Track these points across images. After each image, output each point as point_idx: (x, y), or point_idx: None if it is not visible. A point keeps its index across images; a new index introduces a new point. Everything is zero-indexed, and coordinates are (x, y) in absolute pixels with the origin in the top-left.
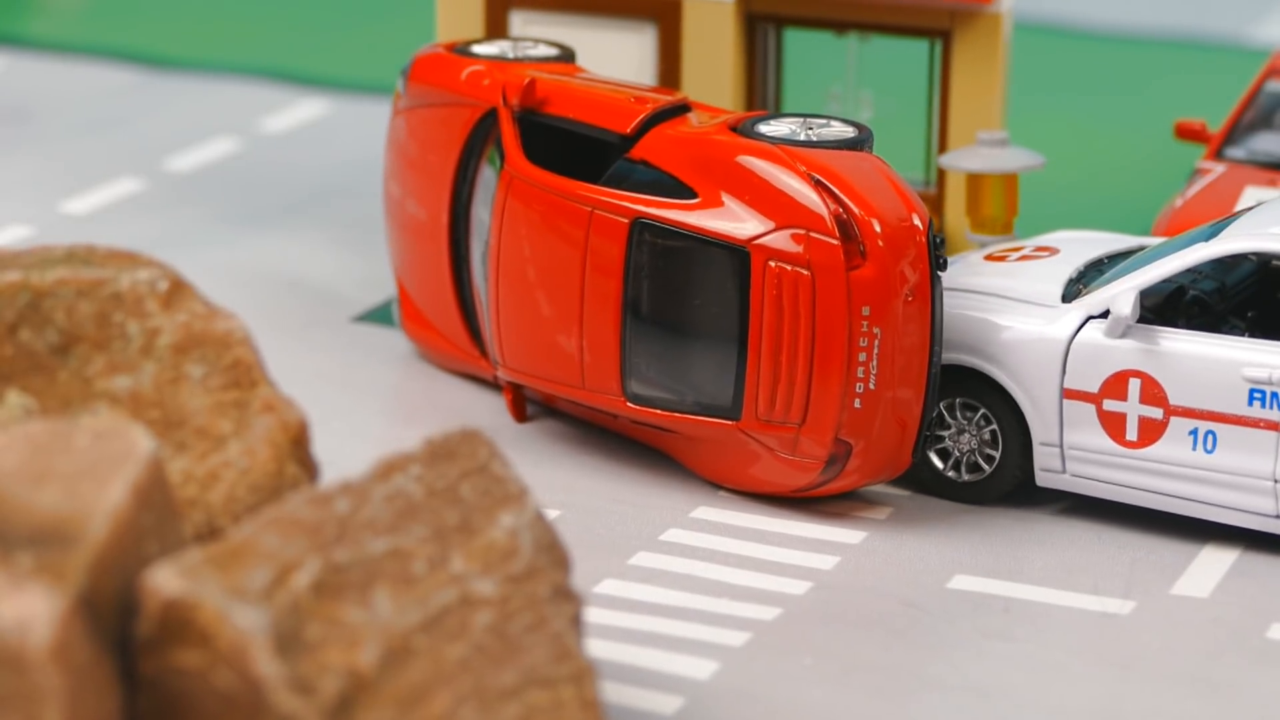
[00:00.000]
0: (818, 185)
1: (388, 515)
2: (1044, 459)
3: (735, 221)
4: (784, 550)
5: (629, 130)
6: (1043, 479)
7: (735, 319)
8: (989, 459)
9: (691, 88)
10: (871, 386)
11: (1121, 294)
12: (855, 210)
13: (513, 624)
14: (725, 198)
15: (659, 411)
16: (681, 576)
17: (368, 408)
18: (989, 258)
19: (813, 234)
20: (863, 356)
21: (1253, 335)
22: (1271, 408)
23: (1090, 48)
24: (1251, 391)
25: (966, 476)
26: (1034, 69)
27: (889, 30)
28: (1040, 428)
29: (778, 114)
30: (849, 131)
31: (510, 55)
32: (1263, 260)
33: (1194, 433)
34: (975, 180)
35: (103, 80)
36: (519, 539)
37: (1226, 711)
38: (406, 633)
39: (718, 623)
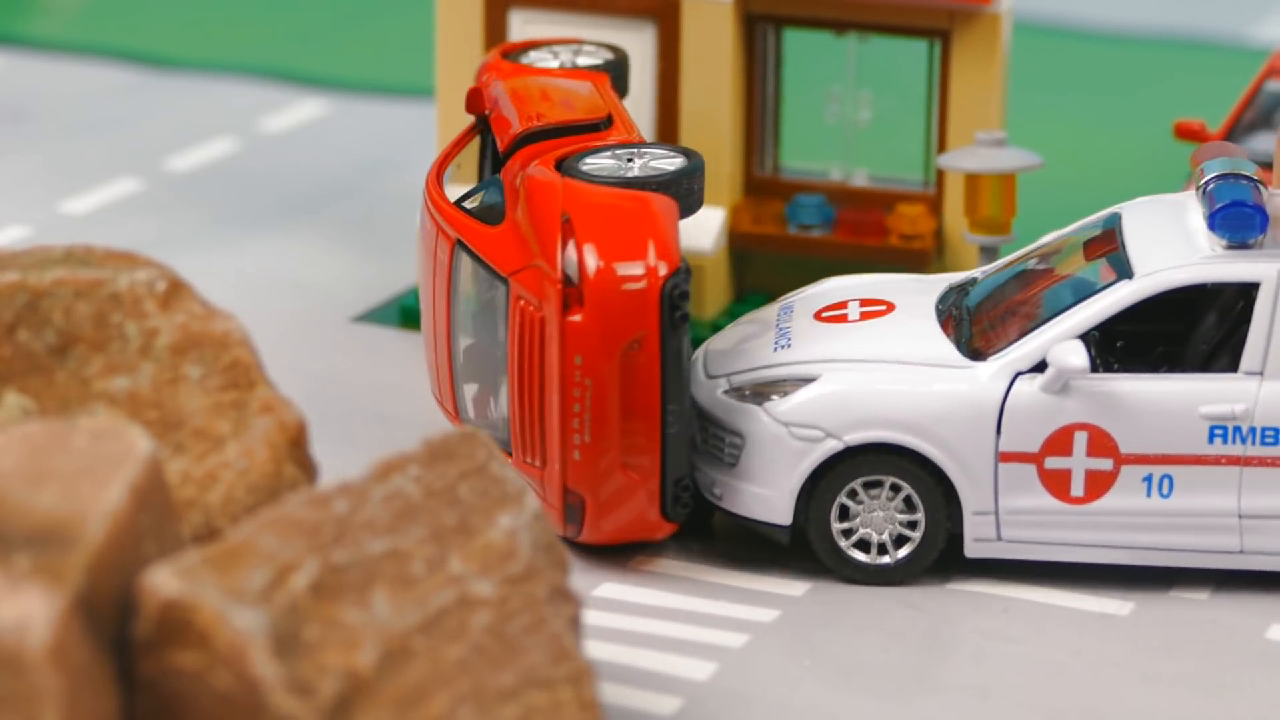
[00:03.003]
0: (565, 224)
1: (386, 516)
2: (977, 528)
3: (509, 253)
4: (783, 551)
5: (502, 149)
6: (974, 549)
7: (506, 352)
8: (908, 530)
9: (691, 87)
10: (587, 439)
11: (1062, 345)
12: (584, 253)
13: (511, 625)
14: (522, 227)
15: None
16: (680, 579)
17: (367, 408)
18: (823, 319)
19: (547, 274)
20: (577, 408)
21: (1178, 369)
22: (1234, 443)
23: (1090, 48)
24: (1212, 429)
25: (894, 556)
26: (1034, 69)
27: (888, 30)
28: (973, 496)
29: (628, 145)
30: (669, 168)
31: (563, 61)
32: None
33: (1148, 479)
34: (973, 180)
35: (102, 80)
36: (517, 540)
37: (1226, 711)
38: (405, 634)
39: (716, 624)
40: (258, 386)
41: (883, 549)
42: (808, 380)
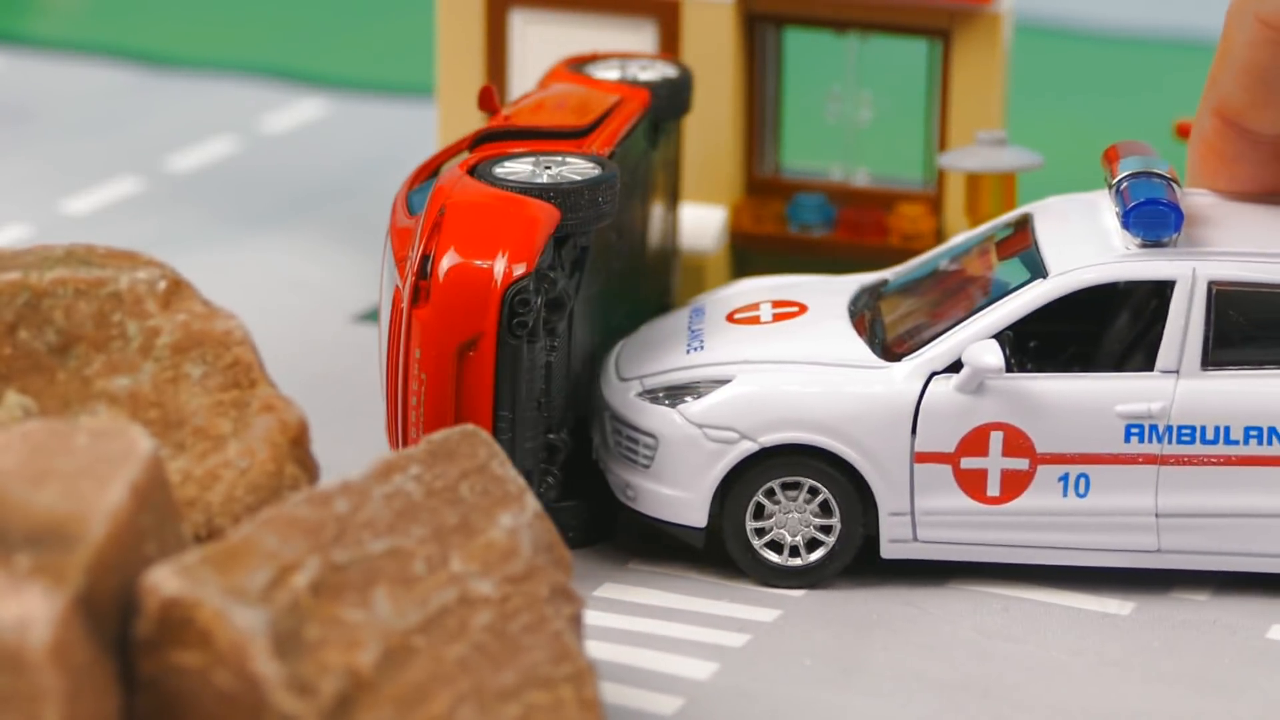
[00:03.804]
0: (438, 220)
1: (387, 515)
2: (892, 529)
3: (406, 244)
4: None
5: (465, 147)
6: (890, 550)
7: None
8: (822, 535)
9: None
10: (422, 434)
11: (977, 345)
12: (441, 249)
13: (512, 624)
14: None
15: None
16: (681, 579)
17: (367, 408)
18: (735, 320)
19: (410, 266)
20: (414, 400)
21: (1094, 369)
22: (1150, 441)
23: (1090, 48)
24: (1128, 428)
25: (805, 559)
26: (1034, 69)
27: (889, 30)
28: (888, 497)
29: (551, 153)
30: (577, 177)
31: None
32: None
33: (1064, 478)
34: (973, 180)
35: (102, 80)
36: (518, 539)
37: (1226, 711)
38: (406, 633)
39: (717, 624)
40: (259, 385)
41: (796, 551)
42: (721, 382)
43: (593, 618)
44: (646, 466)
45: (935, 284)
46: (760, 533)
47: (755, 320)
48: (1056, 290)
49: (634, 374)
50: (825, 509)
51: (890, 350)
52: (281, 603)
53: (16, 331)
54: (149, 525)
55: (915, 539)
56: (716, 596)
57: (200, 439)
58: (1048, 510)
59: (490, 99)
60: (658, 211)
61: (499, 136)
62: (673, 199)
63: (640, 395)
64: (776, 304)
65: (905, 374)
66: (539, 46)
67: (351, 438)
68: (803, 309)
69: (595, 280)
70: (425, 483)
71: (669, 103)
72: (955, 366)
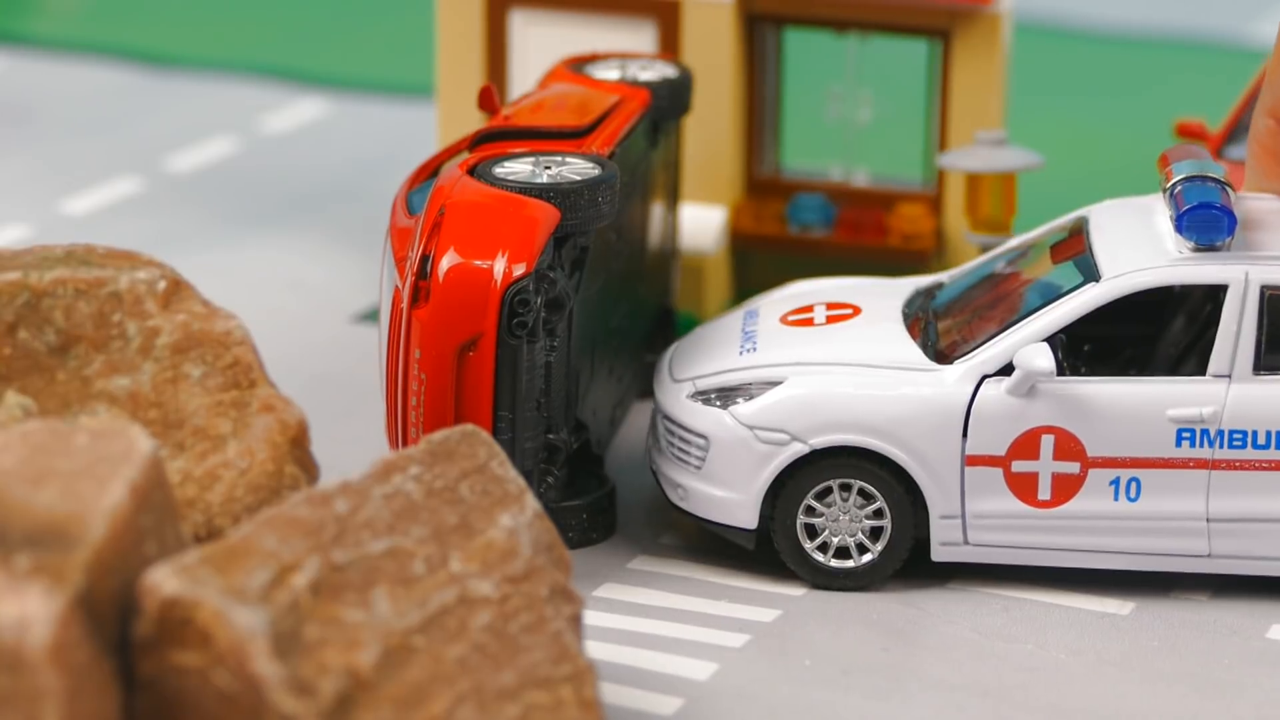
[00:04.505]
0: (438, 220)
1: (387, 515)
2: (943, 532)
3: (405, 244)
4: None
5: (465, 147)
6: (941, 553)
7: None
8: (871, 540)
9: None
10: (422, 434)
11: (1029, 348)
12: (441, 249)
13: (512, 624)
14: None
15: None
16: (680, 579)
17: (367, 408)
18: (789, 322)
19: (410, 265)
20: (414, 401)
21: (1146, 372)
22: (1202, 446)
23: (1090, 48)
24: (1180, 432)
25: (857, 561)
26: (1034, 69)
27: (889, 30)
28: (939, 500)
29: (551, 153)
30: (576, 178)
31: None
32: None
33: (1115, 482)
34: (973, 180)
35: (103, 80)
36: (518, 539)
37: (1226, 711)
38: (405, 633)
39: (717, 624)
40: (258, 386)
41: (847, 553)
42: (773, 384)
43: (592, 618)
44: (698, 468)
45: (990, 287)
46: (812, 535)
47: (809, 322)
48: (1109, 294)
49: (686, 375)
50: (876, 512)
51: (943, 353)
52: (281, 603)
53: (16, 331)
54: (149, 525)
55: (966, 542)
56: (716, 596)
57: (200, 439)
58: (1099, 514)
59: (490, 99)
60: (658, 212)
61: (499, 136)
62: (673, 199)
63: (692, 397)
64: (830, 306)
65: (957, 377)
66: (539, 46)
67: (351, 438)
68: (856, 311)
69: (595, 280)
70: (425, 483)
71: (669, 103)
72: (1007, 369)
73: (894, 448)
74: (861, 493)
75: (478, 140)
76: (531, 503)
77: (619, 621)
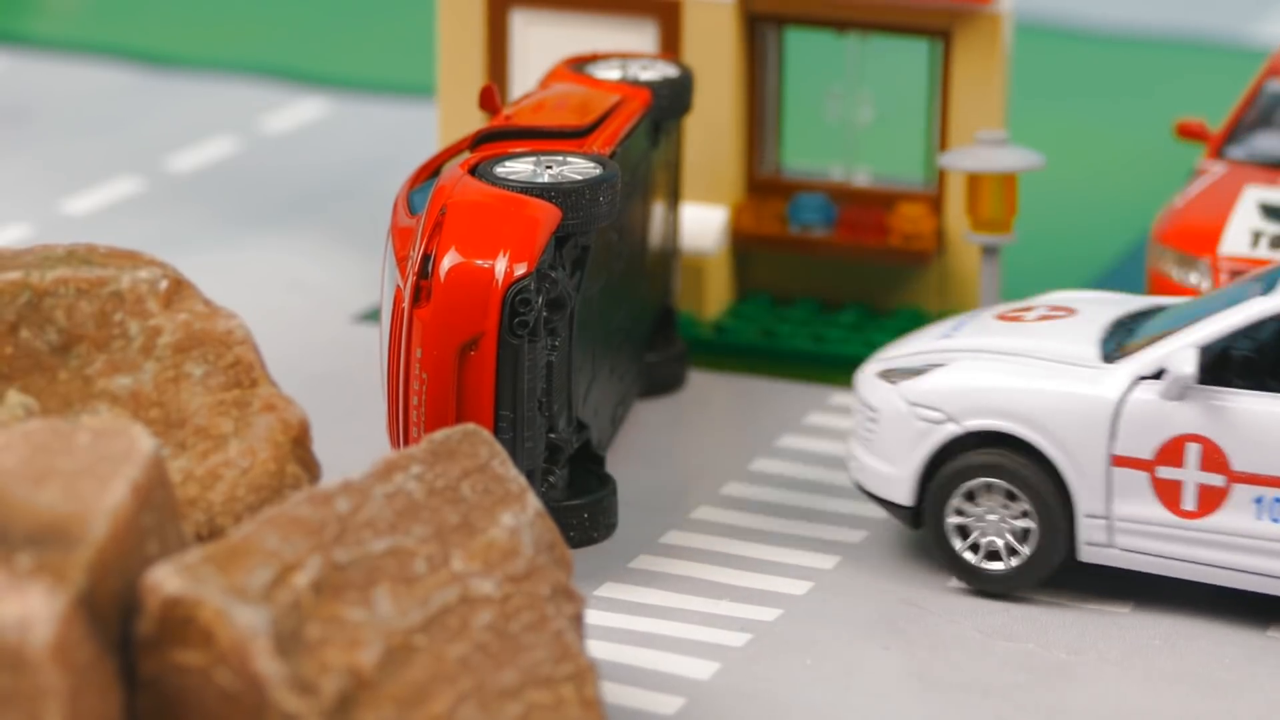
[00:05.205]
0: (439, 219)
1: (388, 514)
2: (1089, 532)
3: (407, 243)
4: (784, 550)
5: (466, 147)
6: (1087, 554)
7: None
8: (1020, 542)
9: None
10: (423, 434)
11: (1178, 352)
12: (442, 248)
13: (513, 623)
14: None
15: None
16: (682, 578)
17: (368, 407)
18: (1002, 317)
19: (411, 265)
20: (415, 400)
21: None
22: None
23: (1090, 48)
24: None
25: (1007, 564)
26: (1034, 69)
27: (889, 30)
28: (1086, 498)
29: (552, 153)
30: (577, 177)
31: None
32: None
33: (1259, 500)
34: (974, 180)
35: (103, 80)
36: (520, 538)
37: (1226, 711)
38: (407, 632)
39: (718, 624)
40: (260, 385)
41: (996, 555)
42: (944, 365)
43: (594, 617)
44: (868, 441)
45: (1198, 302)
46: (962, 534)
47: (1019, 318)
48: (1274, 308)
49: (887, 354)
50: (1025, 513)
51: (1117, 356)
52: (283, 602)
53: (18, 331)
54: (150, 524)
55: (1112, 545)
56: (717, 596)
57: (201, 438)
58: (1239, 531)
59: (491, 98)
60: (658, 211)
61: (500, 136)
62: (673, 199)
63: (879, 374)
64: (1052, 307)
65: (1114, 376)
66: (540, 46)
67: (352, 437)
68: (1071, 313)
69: (596, 280)
70: (426, 482)
71: (670, 103)
72: (1163, 373)
73: (1040, 437)
74: (1009, 495)
75: (479, 140)
76: (533, 502)
77: (620, 621)
